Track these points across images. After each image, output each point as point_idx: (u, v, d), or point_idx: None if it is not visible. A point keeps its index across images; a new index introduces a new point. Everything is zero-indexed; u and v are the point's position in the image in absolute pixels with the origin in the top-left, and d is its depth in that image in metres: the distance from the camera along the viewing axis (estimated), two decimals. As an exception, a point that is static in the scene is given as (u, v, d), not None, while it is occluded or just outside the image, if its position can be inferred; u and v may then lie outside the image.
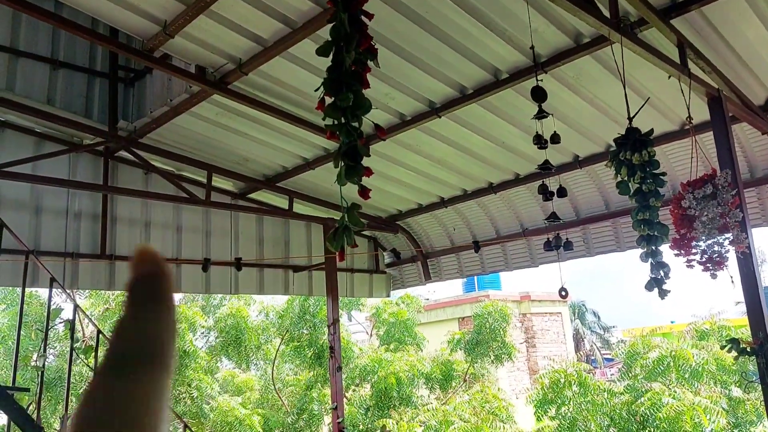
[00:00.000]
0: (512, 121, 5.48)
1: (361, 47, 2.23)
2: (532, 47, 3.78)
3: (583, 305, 29.42)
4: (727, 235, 3.63)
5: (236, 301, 13.44)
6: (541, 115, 3.50)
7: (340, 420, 6.93)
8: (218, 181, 6.75)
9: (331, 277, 7.44)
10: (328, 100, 2.23)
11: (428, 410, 11.17)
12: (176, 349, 0.33)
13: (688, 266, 3.73)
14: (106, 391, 0.30)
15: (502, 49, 4.50)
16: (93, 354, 5.51)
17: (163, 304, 0.33)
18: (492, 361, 13.14)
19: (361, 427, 11.70)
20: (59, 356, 11.51)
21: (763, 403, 4.15)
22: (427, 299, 19.13)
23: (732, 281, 3.87)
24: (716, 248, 3.66)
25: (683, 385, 8.90)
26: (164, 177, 6.26)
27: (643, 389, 8.79)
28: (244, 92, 4.94)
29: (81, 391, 9.36)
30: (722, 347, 4.49)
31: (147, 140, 5.87)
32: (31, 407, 5.76)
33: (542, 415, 9.87)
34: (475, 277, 19.45)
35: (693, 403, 8.05)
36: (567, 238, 4.98)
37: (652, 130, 3.68)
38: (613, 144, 3.66)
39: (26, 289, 5.35)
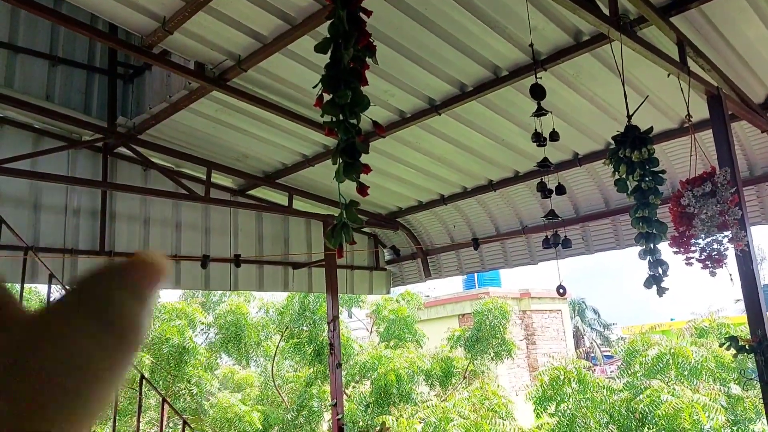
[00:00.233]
0: (512, 118, 5.48)
1: (359, 44, 2.22)
2: (531, 45, 3.78)
3: (583, 302, 29.45)
4: (726, 233, 3.63)
5: (236, 297, 13.46)
6: (540, 112, 3.50)
7: (339, 417, 6.94)
8: (217, 178, 6.75)
9: (331, 274, 7.45)
10: (327, 97, 2.22)
11: (428, 407, 11.20)
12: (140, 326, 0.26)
13: (687, 264, 3.73)
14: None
15: (502, 46, 4.49)
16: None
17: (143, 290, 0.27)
18: (492, 358, 13.17)
19: (360, 423, 11.72)
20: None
21: (761, 400, 4.16)
22: (428, 296, 19.16)
23: (731, 279, 3.87)
24: (715, 246, 3.66)
25: (682, 383, 8.92)
26: (163, 173, 6.26)
27: (642, 386, 8.81)
28: (244, 89, 4.93)
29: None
30: (721, 345, 4.49)
31: (146, 137, 5.87)
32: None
33: (542, 412, 9.89)
34: (476, 274, 19.46)
35: (692, 401, 8.06)
36: (565, 236, 4.98)
37: (651, 128, 3.68)
38: (613, 142, 3.65)
39: (25, 285, 5.36)
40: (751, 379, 8.54)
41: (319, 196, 7.27)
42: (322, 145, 6.10)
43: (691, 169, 3.85)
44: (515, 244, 7.61)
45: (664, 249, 3.77)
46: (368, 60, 2.31)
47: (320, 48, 2.23)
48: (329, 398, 7.97)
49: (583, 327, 28.36)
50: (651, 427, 8.31)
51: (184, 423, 5.58)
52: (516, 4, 3.99)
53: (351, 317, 18.53)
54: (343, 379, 8.94)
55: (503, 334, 13.01)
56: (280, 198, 7.30)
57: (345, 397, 11.65)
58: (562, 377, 9.68)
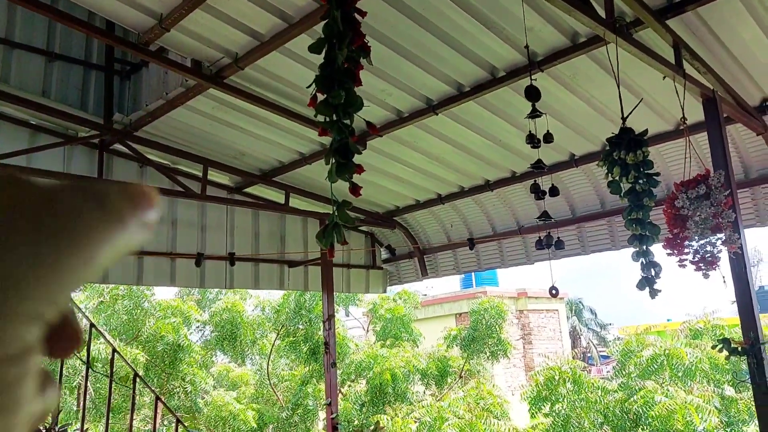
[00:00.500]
0: (509, 119, 5.49)
1: (354, 45, 2.23)
2: (527, 46, 3.79)
3: (581, 302, 29.52)
4: (720, 236, 3.65)
5: (232, 295, 13.45)
6: (534, 114, 3.50)
7: (334, 416, 6.95)
8: (214, 175, 6.74)
9: (327, 273, 7.45)
10: (321, 96, 2.23)
11: (423, 406, 11.21)
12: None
13: (680, 266, 3.75)
14: None
15: (499, 47, 4.50)
16: (86, 347, 5.52)
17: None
18: (488, 358, 13.19)
19: (355, 422, 11.74)
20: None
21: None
22: (425, 295, 19.20)
23: (724, 281, 3.88)
24: (708, 248, 3.67)
25: (676, 384, 8.95)
26: (159, 170, 6.25)
27: (637, 387, 8.84)
28: (241, 86, 4.93)
29: (74, 384, 9.36)
30: (714, 347, 4.51)
31: (142, 133, 5.86)
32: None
33: (536, 412, 9.92)
34: (473, 274, 19.50)
35: (685, 402, 8.09)
36: (558, 237, 4.99)
37: (646, 130, 3.69)
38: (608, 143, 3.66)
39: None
40: (744, 381, 8.57)
41: (315, 194, 7.27)
42: (319, 143, 6.11)
43: (686, 172, 3.86)
44: (511, 244, 7.63)
45: (658, 251, 3.79)
46: (364, 60, 2.32)
47: (314, 48, 2.23)
48: (324, 397, 7.97)
49: (579, 327, 28.43)
50: (645, 427, 8.34)
51: (178, 421, 5.58)
52: (513, 5, 3.99)
53: (348, 316, 18.54)
54: (338, 377, 8.95)
55: (499, 333, 13.03)
56: (276, 196, 7.29)
57: (340, 396, 11.66)
58: (557, 377, 9.71)
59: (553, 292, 5.04)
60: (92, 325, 5.25)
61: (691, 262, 3.69)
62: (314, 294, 11.77)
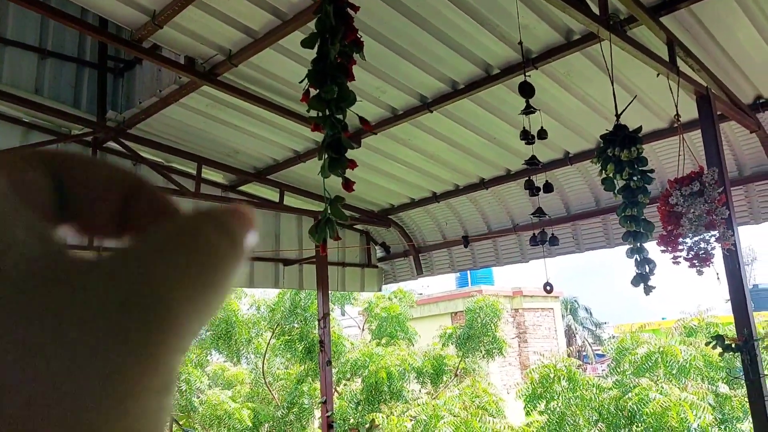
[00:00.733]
0: (504, 116, 5.49)
1: (346, 40, 2.22)
2: (521, 43, 3.78)
3: (576, 301, 29.59)
4: (714, 232, 3.66)
5: (227, 294, 13.40)
6: (528, 110, 3.50)
7: (329, 414, 6.95)
8: (208, 173, 6.72)
9: (322, 271, 7.44)
10: (313, 92, 2.22)
11: (418, 405, 11.21)
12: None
13: (674, 263, 3.76)
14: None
15: (493, 44, 4.50)
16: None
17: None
18: (483, 356, 13.20)
19: (351, 421, 11.73)
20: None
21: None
22: (421, 294, 19.20)
23: (718, 278, 3.89)
24: (702, 245, 3.69)
25: (671, 381, 8.98)
26: (153, 168, 6.22)
27: (631, 385, 8.87)
28: (234, 84, 4.91)
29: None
30: (707, 344, 4.52)
31: (136, 131, 5.84)
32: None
33: (531, 410, 9.94)
34: (468, 272, 19.53)
35: (679, 399, 8.12)
36: (552, 233, 4.99)
37: (640, 128, 3.69)
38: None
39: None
40: (738, 378, 8.61)
41: (310, 192, 7.26)
42: (313, 140, 6.09)
43: (680, 169, 3.87)
44: (506, 241, 7.63)
45: (653, 248, 3.80)
46: (358, 56, 2.31)
47: (307, 43, 2.22)
48: (320, 395, 7.97)
49: (575, 325, 28.49)
50: (639, 425, 8.37)
51: (173, 420, 5.56)
52: (507, 2, 3.99)
53: (344, 314, 18.54)
54: (333, 376, 8.95)
55: (495, 331, 13.04)
56: (271, 194, 7.27)
57: (336, 394, 11.65)
58: (552, 375, 9.73)
59: (548, 288, 5.04)
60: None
61: (685, 259, 3.70)
62: (310, 293, 11.76)
